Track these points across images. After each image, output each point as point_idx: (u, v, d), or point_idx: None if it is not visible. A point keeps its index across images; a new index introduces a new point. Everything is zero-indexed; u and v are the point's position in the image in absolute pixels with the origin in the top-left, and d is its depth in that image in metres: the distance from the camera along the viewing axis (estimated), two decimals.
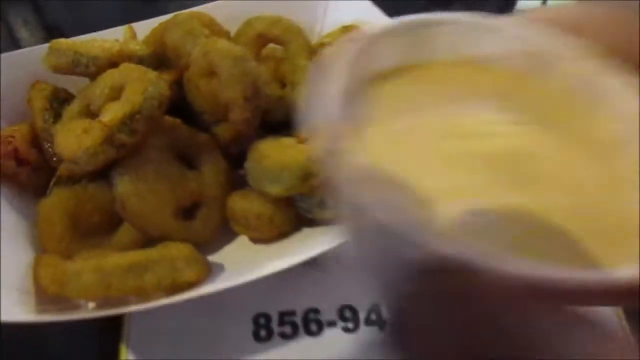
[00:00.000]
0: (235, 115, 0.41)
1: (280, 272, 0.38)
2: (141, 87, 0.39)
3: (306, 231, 0.45)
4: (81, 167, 0.39)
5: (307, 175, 0.39)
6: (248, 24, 0.48)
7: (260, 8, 0.52)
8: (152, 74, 0.40)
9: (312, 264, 0.43)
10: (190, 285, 0.36)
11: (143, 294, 0.34)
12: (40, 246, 0.40)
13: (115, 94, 0.40)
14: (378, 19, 0.52)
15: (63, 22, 0.69)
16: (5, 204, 0.41)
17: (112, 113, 0.38)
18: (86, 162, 0.38)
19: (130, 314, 0.42)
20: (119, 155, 0.39)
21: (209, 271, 0.38)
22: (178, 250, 0.36)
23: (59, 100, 0.46)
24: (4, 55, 0.47)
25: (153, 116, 0.39)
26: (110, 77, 0.41)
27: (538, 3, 0.80)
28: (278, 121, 0.47)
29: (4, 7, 0.69)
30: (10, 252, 0.39)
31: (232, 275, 0.39)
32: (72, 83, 0.47)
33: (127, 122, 0.38)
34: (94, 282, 0.33)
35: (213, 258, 0.42)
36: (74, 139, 0.39)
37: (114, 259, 0.34)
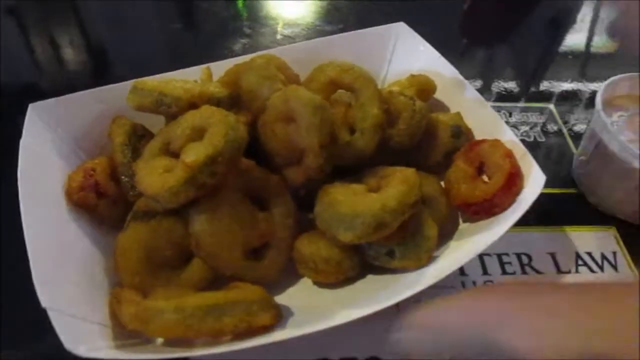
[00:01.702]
0: (310, 161, 0.42)
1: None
2: (223, 130, 0.40)
3: (370, 277, 0.45)
4: (162, 204, 0.40)
5: (379, 225, 0.40)
6: (320, 69, 0.50)
7: (326, 52, 0.54)
8: (232, 118, 0.42)
9: None
10: (265, 329, 0.37)
11: (220, 336, 0.35)
12: (117, 279, 0.41)
13: (196, 134, 0.42)
14: (445, 67, 0.54)
15: (106, 44, 0.73)
16: (82, 235, 0.43)
17: (194, 154, 0.40)
18: (167, 201, 0.40)
19: None
20: (198, 195, 0.40)
21: (282, 316, 0.39)
22: (253, 294, 0.37)
23: (137, 136, 0.47)
24: (92, 90, 0.49)
25: (233, 159, 0.41)
26: (191, 118, 0.43)
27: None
28: (345, 166, 0.48)
29: (53, 27, 0.73)
30: (86, 284, 0.40)
31: (301, 322, 0.39)
32: (147, 119, 0.49)
33: (209, 164, 0.39)
34: (175, 322, 0.34)
35: (279, 299, 0.43)
36: (157, 177, 0.40)
37: (195, 300, 0.35)
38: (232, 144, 0.40)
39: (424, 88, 0.53)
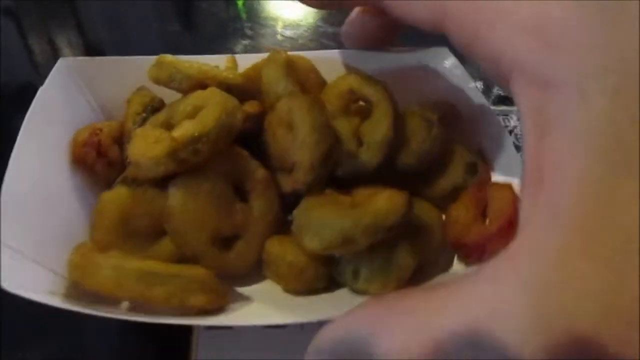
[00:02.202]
0: (299, 176, 0.41)
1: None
2: (217, 112, 0.41)
3: (340, 294, 0.43)
4: (143, 172, 0.41)
5: (347, 240, 0.37)
6: (343, 77, 0.49)
7: (360, 64, 0.53)
8: (231, 103, 0.42)
9: None
10: (199, 310, 0.36)
11: (150, 304, 0.35)
12: (90, 236, 0.42)
13: (195, 112, 0.42)
14: (477, 96, 0.50)
15: (104, 45, 0.75)
16: (72, 188, 0.44)
17: (183, 130, 0.40)
18: (147, 169, 0.40)
19: (197, 346, 0.44)
20: (178, 170, 0.40)
21: (223, 303, 0.38)
22: (198, 273, 0.36)
23: (153, 109, 0.49)
24: (128, 58, 0.51)
25: (220, 142, 0.40)
26: (195, 97, 0.43)
27: None
28: (344, 177, 0.46)
29: (52, 28, 0.76)
30: (62, 236, 0.41)
31: (246, 315, 0.38)
32: (172, 96, 0.50)
33: (194, 141, 0.39)
34: (108, 279, 0.34)
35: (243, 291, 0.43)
36: (145, 145, 0.41)
37: (135, 263, 0.35)
38: (222, 128, 0.40)
39: (448, 114, 0.49)
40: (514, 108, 0.67)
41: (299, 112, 0.41)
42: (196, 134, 0.39)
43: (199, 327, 0.47)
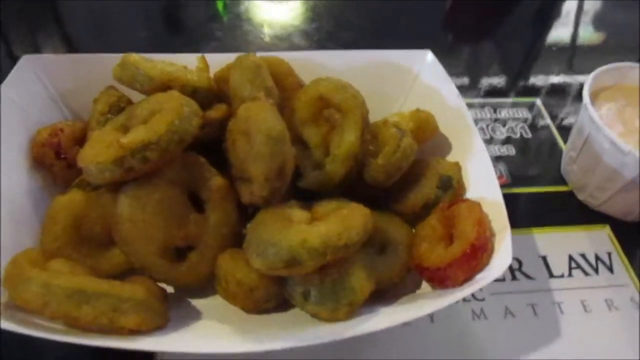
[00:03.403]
0: (255, 189, 0.39)
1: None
2: (169, 118, 0.39)
3: (293, 314, 0.40)
4: (91, 178, 0.39)
5: (292, 261, 0.35)
6: (315, 82, 0.46)
7: (342, 66, 0.50)
8: (187, 108, 0.40)
9: None
10: (130, 332, 0.34)
11: (75, 324, 0.33)
12: (40, 241, 0.41)
13: (151, 117, 0.40)
14: (460, 109, 0.47)
15: (89, 51, 0.69)
16: (27, 189, 0.43)
17: (132, 136, 0.38)
18: (94, 176, 0.39)
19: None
20: (126, 178, 0.39)
21: (159, 325, 0.36)
22: (131, 291, 0.35)
23: (120, 109, 0.47)
24: (95, 55, 0.50)
25: (169, 150, 0.38)
26: (154, 100, 0.42)
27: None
28: (308, 189, 0.44)
29: (36, 36, 0.73)
30: (14, 242, 0.40)
31: (182, 340, 0.36)
32: (141, 96, 0.48)
33: (142, 149, 0.37)
34: (36, 295, 0.33)
35: (196, 304, 0.42)
36: (94, 150, 0.39)
37: (64, 279, 0.33)
38: (173, 135, 0.38)
39: (424, 126, 0.46)
40: (504, 99, 0.65)
41: (255, 123, 0.38)
42: (145, 141, 0.38)
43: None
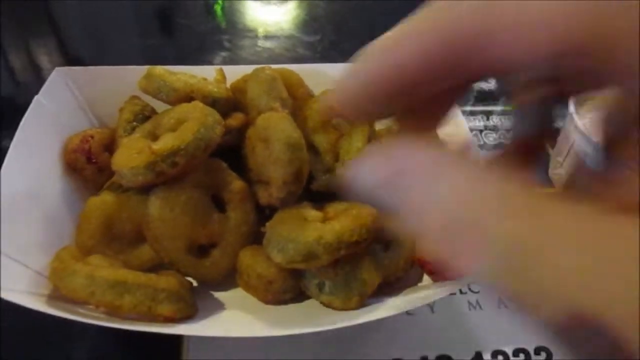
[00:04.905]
0: (273, 191, 0.43)
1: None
2: (195, 127, 0.43)
3: (309, 304, 0.45)
4: (125, 181, 0.43)
5: (310, 255, 0.39)
6: (324, 93, 0.50)
7: None
8: (211, 118, 0.44)
9: None
10: (166, 319, 0.38)
11: (119, 312, 0.37)
12: (74, 239, 0.45)
13: (177, 125, 0.44)
14: (460, 124, 0.51)
15: (84, 57, 0.73)
16: (62, 193, 0.47)
17: (162, 143, 0.42)
18: (128, 179, 0.43)
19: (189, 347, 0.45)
20: (157, 181, 0.43)
21: (190, 314, 0.40)
22: (166, 283, 0.39)
23: (144, 117, 0.51)
24: (122, 67, 0.54)
25: (196, 156, 0.42)
26: (180, 110, 0.46)
27: None
28: (320, 192, 0.48)
29: (31, 40, 0.75)
30: (49, 238, 0.43)
31: (212, 326, 0.40)
32: (165, 106, 0.52)
33: (172, 154, 0.41)
34: (81, 286, 0.36)
35: (219, 296, 0.45)
36: (127, 156, 0.43)
37: (107, 272, 0.37)
38: (199, 142, 0.42)
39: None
40: (496, 107, 0.66)
41: (274, 130, 0.43)
42: (174, 148, 0.42)
43: None
